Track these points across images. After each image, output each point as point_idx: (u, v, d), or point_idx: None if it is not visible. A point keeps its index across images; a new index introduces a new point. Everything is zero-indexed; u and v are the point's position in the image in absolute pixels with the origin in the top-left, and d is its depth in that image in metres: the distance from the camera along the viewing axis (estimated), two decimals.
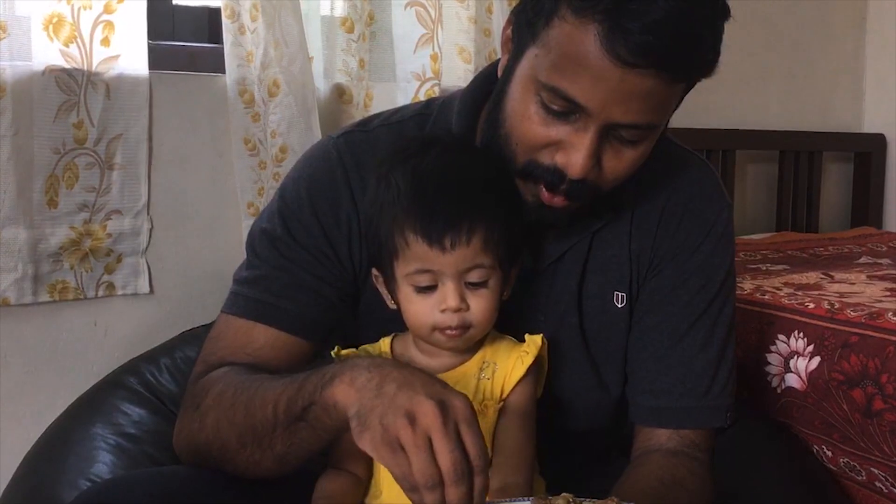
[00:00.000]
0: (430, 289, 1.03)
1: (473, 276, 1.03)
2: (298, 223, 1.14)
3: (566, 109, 0.99)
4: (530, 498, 0.92)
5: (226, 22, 1.79)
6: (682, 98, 1.05)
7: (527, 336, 1.12)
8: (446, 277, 1.02)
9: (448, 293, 1.02)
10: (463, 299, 1.03)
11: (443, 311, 1.03)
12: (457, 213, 1.01)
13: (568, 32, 0.96)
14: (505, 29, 1.09)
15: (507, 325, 1.14)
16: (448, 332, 1.04)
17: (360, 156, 1.15)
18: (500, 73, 1.09)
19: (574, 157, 1.01)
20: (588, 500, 0.90)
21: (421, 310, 1.04)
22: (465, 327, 1.04)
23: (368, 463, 1.11)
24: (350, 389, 0.88)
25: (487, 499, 1.03)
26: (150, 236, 1.80)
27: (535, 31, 1.00)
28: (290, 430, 0.96)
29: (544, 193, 1.06)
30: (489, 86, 1.17)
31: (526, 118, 1.03)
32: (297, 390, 0.94)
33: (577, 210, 1.09)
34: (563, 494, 0.88)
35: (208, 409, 1.06)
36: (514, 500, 0.94)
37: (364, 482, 1.11)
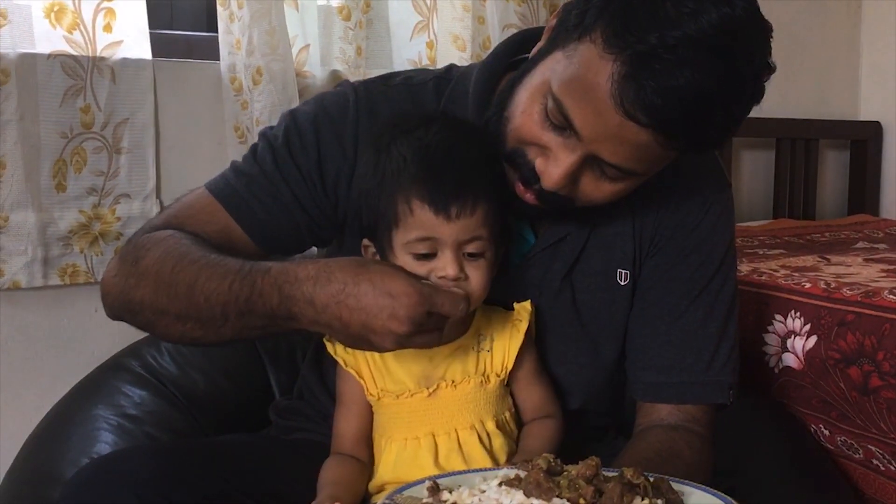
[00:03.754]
0: (428, 257, 1.04)
1: (472, 247, 1.04)
2: (299, 141, 1.17)
3: (562, 125, 1.01)
4: (515, 464, 0.93)
5: (219, 9, 1.80)
6: (677, 159, 1.06)
7: (515, 305, 1.14)
8: (446, 247, 1.03)
9: (447, 262, 1.03)
10: (462, 269, 1.04)
11: (440, 278, 1.03)
12: (463, 184, 1.03)
13: (590, 58, 0.97)
14: (551, 17, 1.09)
15: (505, 300, 1.15)
16: None
17: (376, 105, 1.18)
18: (531, 54, 1.10)
19: (552, 168, 1.03)
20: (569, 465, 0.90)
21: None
22: None
23: (372, 447, 1.13)
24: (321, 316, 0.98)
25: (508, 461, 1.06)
26: None
27: (568, 39, 1.01)
28: (243, 324, 1.03)
29: (518, 185, 1.09)
30: (507, 59, 1.19)
31: (526, 114, 1.05)
32: (250, 293, 1.01)
33: (549, 212, 1.11)
34: (544, 455, 0.89)
35: (147, 271, 1.08)
36: (501, 468, 0.95)
37: (369, 467, 1.12)
